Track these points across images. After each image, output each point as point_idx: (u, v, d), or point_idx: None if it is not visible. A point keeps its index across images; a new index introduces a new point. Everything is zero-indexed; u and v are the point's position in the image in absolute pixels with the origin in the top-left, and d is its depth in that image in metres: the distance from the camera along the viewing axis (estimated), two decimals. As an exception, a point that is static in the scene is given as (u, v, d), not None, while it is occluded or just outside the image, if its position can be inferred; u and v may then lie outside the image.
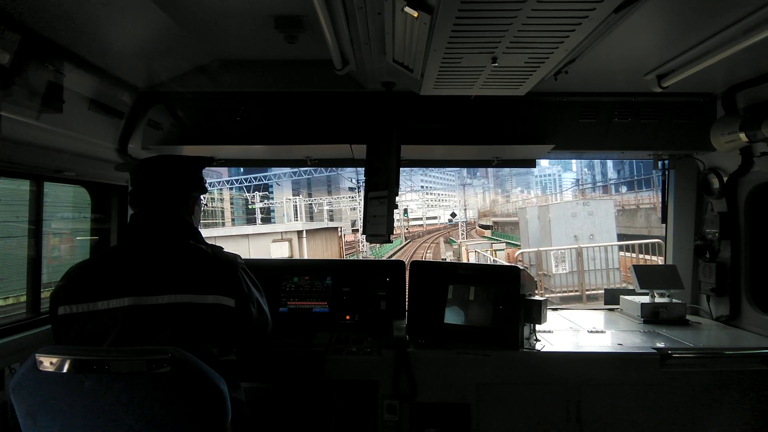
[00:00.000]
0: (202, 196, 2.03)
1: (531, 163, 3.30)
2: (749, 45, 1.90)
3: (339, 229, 32.06)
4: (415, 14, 1.58)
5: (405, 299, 2.96)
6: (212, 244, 1.86)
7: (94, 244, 2.90)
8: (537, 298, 2.54)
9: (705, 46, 2.09)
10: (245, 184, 38.31)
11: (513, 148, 2.98)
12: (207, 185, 2.04)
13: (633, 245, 11.78)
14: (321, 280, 3.01)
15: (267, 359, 2.47)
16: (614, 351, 2.49)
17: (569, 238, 15.76)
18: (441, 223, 68.72)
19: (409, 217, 50.59)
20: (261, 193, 37.21)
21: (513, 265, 3.23)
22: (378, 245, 25.91)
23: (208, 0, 1.86)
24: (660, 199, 3.50)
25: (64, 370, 1.32)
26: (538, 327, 2.66)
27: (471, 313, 2.64)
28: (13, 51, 1.74)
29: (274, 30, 2.07)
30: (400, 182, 2.68)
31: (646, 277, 3.21)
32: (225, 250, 1.86)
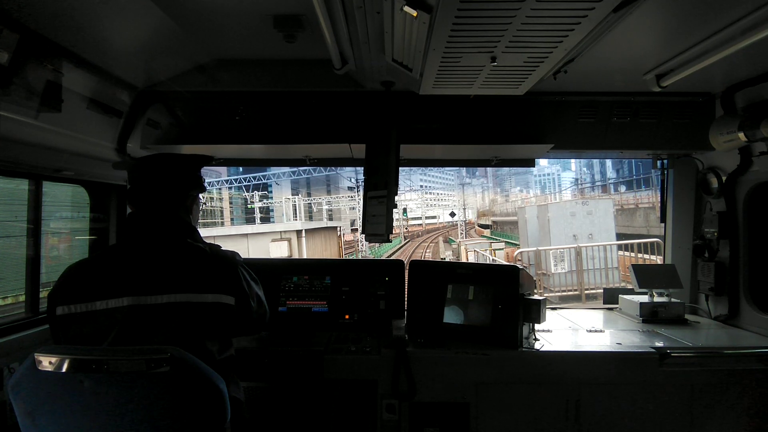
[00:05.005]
0: (200, 195, 2.02)
1: (530, 163, 3.30)
2: (748, 45, 1.91)
3: (338, 229, 32.05)
4: (414, 13, 1.58)
5: (404, 299, 2.96)
6: (210, 243, 1.85)
7: (93, 244, 2.89)
8: (536, 297, 2.55)
9: (704, 46, 2.09)
10: (244, 183, 38.28)
11: (512, 148, 2.98)
12: (205, 184, 2.03)
13: (632, 245, 11.79)
14: (320, 279, 3.01)
15: (266, 359, 2.47)
16: (613, 350, 2.49)
17: (568, 237, 15.76)
18: (440, 223, 68.77)
19: (408, 216, 50.63)
20: (260, 193, 37.18)
21: (512, 264, 3.23)
22: (377, 245, 25.93)
23: None
24: (659, 199, 3.51)
25: (63, 370, 1.32)
26: (537, 326, 2.67)
27: (470, 312, 2.64)
28: (11, 50, 1.73)
29: (273, 29, 2.06)
30: (399, 182, 2.68)
31: (645, 276, 3.22)
32: (223, 248, 1.86)
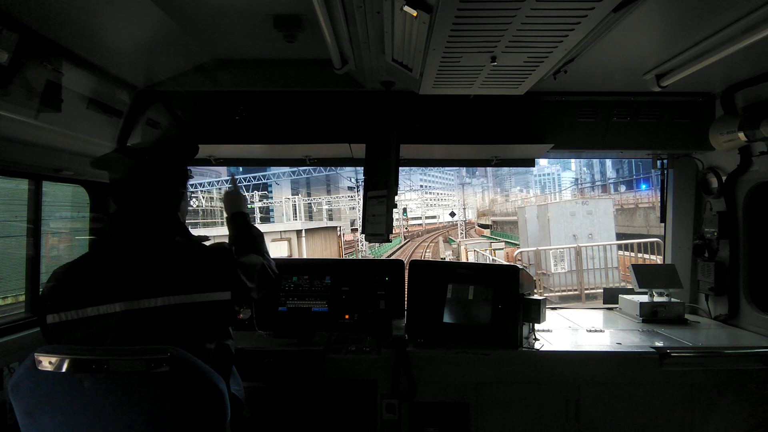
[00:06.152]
0: (189, 191, 1.96)
1: (530, 163, 3.31)
2: (748, 44, 1.91)
3: (338, 229, 32.02)
4: (414, 13, 1.58)
5: (404, 298, 2.96)
6: (200, 235, 1.82)
7: (93, 244, 2.89)
8: (536, 297, 2.55)
9: (704, 46, 2.09)
10: (244, 183, 38.12)
11: (512, 148, 2.98)
12: (191, 174, 1.96)
13: (632, 244, 11.79)
14: (320, 279, 3.01)
15: (266, 358, 2.47)
16: (613, 350, 2.49)
17: (568, 237, 15.76)
18: (440, 222, 68.75)
19: (408, 216, 50.64)
20: (260, 193, 37.15)
21: (512, 264, 3.23)
22: (377, 244, 25.91)
23: None
24: (659, 199, 3.51)
25: (63, 370, 1.32)
26: (537, 326, 2.67)
27: (470, 312, 2.64)
28: (11, 50, 1.73)
29: (273, 29, 2.06)
30: (400, 182, 2.68)
31: (645, 276, 3.22)
32: (212, 241, 1.83)
